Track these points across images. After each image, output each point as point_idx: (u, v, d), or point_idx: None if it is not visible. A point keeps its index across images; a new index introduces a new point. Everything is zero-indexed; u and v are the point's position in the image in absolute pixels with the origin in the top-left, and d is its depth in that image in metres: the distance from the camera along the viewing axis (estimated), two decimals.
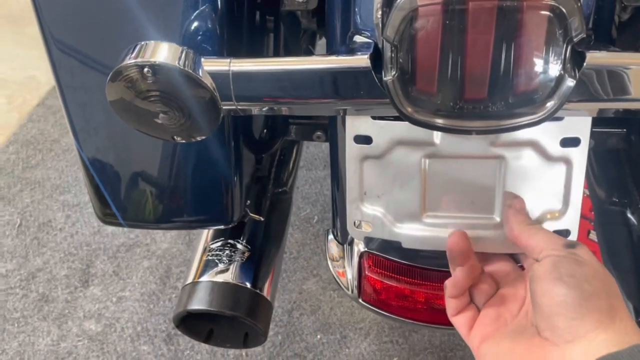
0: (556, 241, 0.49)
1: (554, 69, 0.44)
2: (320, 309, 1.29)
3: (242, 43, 0.68)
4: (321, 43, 1.12)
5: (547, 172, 0.55)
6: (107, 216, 0.72)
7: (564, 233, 0.56)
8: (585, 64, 0.45)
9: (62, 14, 0.61)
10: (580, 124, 0.52)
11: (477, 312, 0.55)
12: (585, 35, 0.44)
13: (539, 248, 0.50)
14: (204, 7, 0.60)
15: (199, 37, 0.61)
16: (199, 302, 0.70)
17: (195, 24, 0.61)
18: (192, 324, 0.74)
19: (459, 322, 0.55)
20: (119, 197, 0.69)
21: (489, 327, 0.52)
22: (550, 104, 0.45)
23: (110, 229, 1.45)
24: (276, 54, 0.81)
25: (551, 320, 0.46)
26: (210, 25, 0.61)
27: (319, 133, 0.86)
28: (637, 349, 0.42)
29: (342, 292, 1.30)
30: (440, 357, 1.20)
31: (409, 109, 0.46)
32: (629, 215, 0.75)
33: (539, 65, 0.44)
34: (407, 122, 0.50)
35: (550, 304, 0.46)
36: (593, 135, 0.54)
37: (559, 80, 0.44)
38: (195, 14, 0.61)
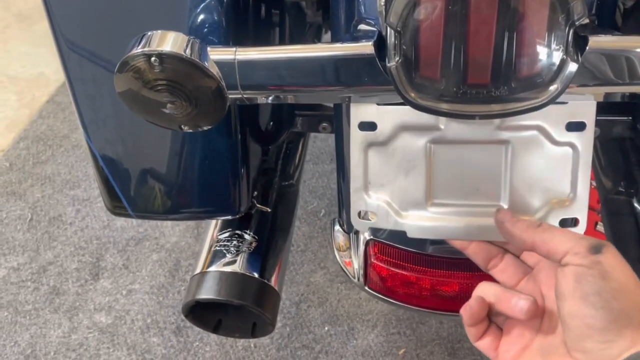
0: (578, 243, 0.45)
1: (557, 53, 0.45)
2: (328, 301, 1.29)
3: (247, 35, 0.68)
4: (327, 37, 1.13)
5: (553, 157, 0.54)
6: (116, 208, 0.72)
7: (572, 222, 0.56)
8: (587, 47, 0.45)
9: (71, 7, 0.62)
10: (585, 108, 0.52)
11: (499, 330, 0.53)
12: (587, 20, 0.44)
13: (561, 251, 0.46)
14: None
15: (205, 29, 0.61)
16: (208, 292, 0.71)
17: (202, 16, 0.61)
18: (200, 313, 0.75)
19: (484, 346, 0.52)
20: (128, 189, 0.70)
21: (516, 347, 0.50)
22: (553, 88, 0.45)
23: (119, 222, 1.46)
24: None
25: (582, 342, 0.44)
26: (216, 17, 0.61)
27: (324, 124, 0.87)
28: None
29: (350, 284, 1.31)
30: (448, 348, 1.20)
31: (413, 95, 0.46)
32: (636, 204, 0.75)
33: (541, 49, 0.44)
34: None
35: (579, 326, 0.44)
36: (599, 123, 0.54)
37: (562, 64, 0.45)
38: (201, 6, 0.61)
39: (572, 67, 0.45)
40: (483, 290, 0.52)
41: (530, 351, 0.49)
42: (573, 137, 0.53)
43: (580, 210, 0.55)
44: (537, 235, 0.48)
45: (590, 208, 0.58)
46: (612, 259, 0.44)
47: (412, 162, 0.56)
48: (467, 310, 0.51)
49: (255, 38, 0.71)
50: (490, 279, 0.56)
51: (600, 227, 1.15)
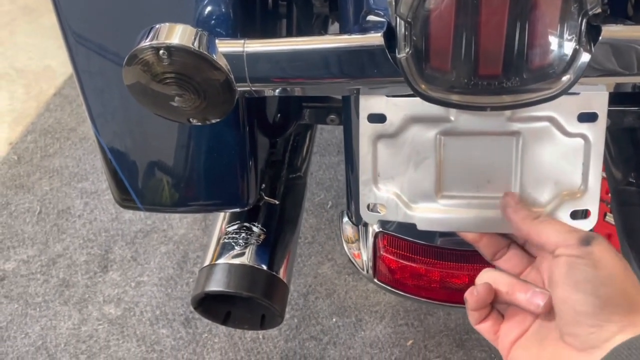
0: (570, 236, 0.47)
1: (569, 44, 0.44)
2: (336, 293, 1.29)
3: (255, 28, 0.68)
4: (333, 28, 1.12)
5: (564, 149, 0.53)
6: (125, 200, 0.72)
7: (584, 213, 0.55)
8: (600, 37, 0.44)
9: (78, 0, 0.62)
10: (597, 99, 0.52)
11: (500, 315, 0.53)
12: (600, 9, 0.43)
13: (553, 244, 0.48)
14: None
15: (213, 21, 0.61)
16: (217, 284, 0.71)
17: (209, 8, 0.61)
18: (209, 305, 0.75)
19: (484, 329, 0.53)
20: (136, 182, 0.70)
21: (515, 331, 0.51)
22: (565, 79, 0.45)
23: (127, 215, 1.47)
24: None
25: (572, 327, 0.45)
26: (224, 9, 0.61)
27: (332, 116, 0.86)
28: None
29: (357, 275, 1.31)
30: (456, 339, 1.20)
31: (423, 86, 0.46)
32: None
33: (553, 39, 0.44)
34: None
35: (570, 311, 0.45)
36: (609, 113, 0.54)
37: (574, 54, 0.44)
38: None
39: (585, 57, 0.44)
40: (490, 277, 0.52)
41: (526, 336, 0.50)
42: (585, 128, 0.53)
43: (591, 202, 0.55)
44: (532, 227, 0.50)
45: (600, 199, 0.58)
46: (602, 249, 0.45)
47: (421, 154, 0.55)
48: (474, 296, 0.52)
49: (262, 29, 0.71)
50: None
51: (609, 219, 1.14)
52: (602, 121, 0.52)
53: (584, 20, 0.43)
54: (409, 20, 0.44)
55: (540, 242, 0.49)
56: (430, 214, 0.57)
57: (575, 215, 0.55)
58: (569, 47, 0.44)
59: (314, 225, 1.42)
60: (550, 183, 0.55)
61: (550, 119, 0.52)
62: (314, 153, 1.55)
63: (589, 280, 0.44)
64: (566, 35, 0.44)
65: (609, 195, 0.90)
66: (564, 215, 0.55)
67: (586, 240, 0.46)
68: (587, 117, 0.52)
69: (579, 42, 0.44)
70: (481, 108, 0.47)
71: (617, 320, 0.43)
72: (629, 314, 0.44)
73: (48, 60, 2.05)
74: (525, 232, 0.51)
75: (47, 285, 1.34)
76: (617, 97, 0.62)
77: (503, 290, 0.51)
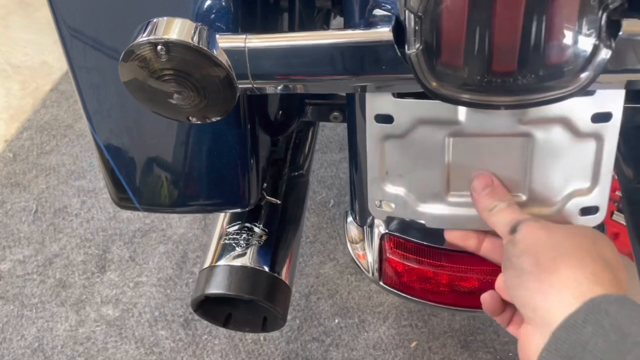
0: (506, 228, 0.50)
1: (589, 39, 0.42)
2: (338, 293, 1.28)
3: (256, 22, 0.67)
4: (335, 22, 1.10)
5: (576, 149, 0.53)
6: (122, 200, 0.71)
7: (593, 210, 0.55)
8: (621, 32, 0.42)
9: None
10: (613, 98, 0.50)
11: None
12: (619, 3, 0.41)
13: (501, 236, 0.51)
14: None
15: (213, 15, 0.59)
16: (217, 286, 0.70)
17: (209, 1, 0.59)
18: (210, 308, 0.74)
19: (512, 331, 0.54)
20: (134, 181, 0.69)
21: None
22: (584, 76, 0.43)
23: (125, 214, 1.45)
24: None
25: (517, 304, 0.48)
26: (224, 3, 0.59)
27: (336, 113, 0.85)
28: (591, 304, 0.41)
29: (360, 275, 1.30)
30: (460, 340, 1.19)
31: (434, 84, 0.44)
32: None
33: (572, 34, 0.42)
34: (429, 101, 0.48)
35: (507, 289, 0.49)
36: (622, 111, 0.52)
37: (594, 50, 0.42)
38: None
39: (605, 53, 0.42)
40: (499, 282, 0.54)
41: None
42: (598, 128, 0.52)
43: (601, 199, 0.55)
44: (488, 219, 0.52)
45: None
46: (526, 231, 0.47)
47: (430, 155, 0.54)
48: (483, 304, 0.54)
49: (263, 24, 0.69)
50: None
51: (616, 217, 1.13)
52: (617, 121, 0.51)
53: (605, 15, 0.41)
54: (420, 14, 0.42)
55: (498, 233, 0.51)
56: (439, 212, 0.57)
57: (584, 212, 0.55)
58: (588, 43, 0.42)
59: (316, 224, 1.41)
60: (560, 182, 0.54)
61: (563, 120, 0.51)
62: (315, 150, 1.53)
63: (508, 257, 0.47)
64: (585, 30, 0.42)
65: (616, 193, 0.89)
66: (573, 212, 0.55)
67: (513, 228, 0.49)
68: (602, 117, 0.51)
69: (599, 37, 0.42)
70: (495, 106, 0.45)
71: (536, 288, 0.45)
72: (543, 280, 0.44)
73: (44, 55, 2.03)
74: (485, 222, 0.53)
75: (44, 286, 1.32)
76: (630, 95, 0.60)
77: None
